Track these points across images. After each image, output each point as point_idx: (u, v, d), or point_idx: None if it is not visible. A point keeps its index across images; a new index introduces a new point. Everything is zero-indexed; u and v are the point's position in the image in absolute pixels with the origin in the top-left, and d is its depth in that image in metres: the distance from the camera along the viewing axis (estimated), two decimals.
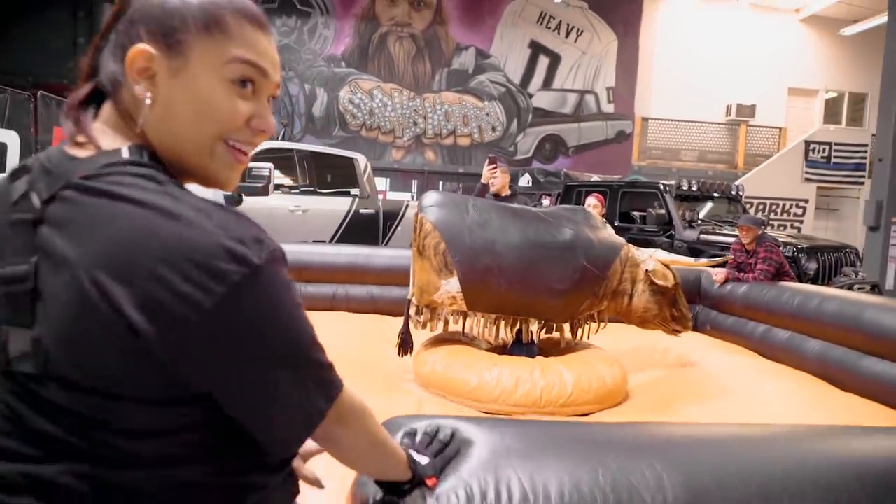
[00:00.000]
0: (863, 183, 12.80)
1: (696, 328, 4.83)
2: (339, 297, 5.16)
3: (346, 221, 6.91)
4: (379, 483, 0.91)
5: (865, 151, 12.88)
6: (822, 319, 4.02)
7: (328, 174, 7.46)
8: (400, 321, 3.60)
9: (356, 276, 5.26)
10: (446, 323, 3.44)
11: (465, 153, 13.35)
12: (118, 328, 0.56)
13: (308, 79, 12.80)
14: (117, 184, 0.60)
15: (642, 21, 13.59)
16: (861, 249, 7.29)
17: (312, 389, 0.65)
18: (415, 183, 12.93)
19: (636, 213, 8.01)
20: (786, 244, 6.31)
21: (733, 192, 8.03)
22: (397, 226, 7.27)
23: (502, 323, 3.41)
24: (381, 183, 10.84)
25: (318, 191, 7.11)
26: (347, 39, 12.94)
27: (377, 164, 10.95)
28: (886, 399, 3.45)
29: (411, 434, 1.07)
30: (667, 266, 3.46)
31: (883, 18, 11.82)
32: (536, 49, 13.49)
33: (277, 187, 6.49)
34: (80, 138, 0.66)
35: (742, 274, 5.06)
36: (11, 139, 6.84)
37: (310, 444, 0.83)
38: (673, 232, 7.24)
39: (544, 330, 3.52)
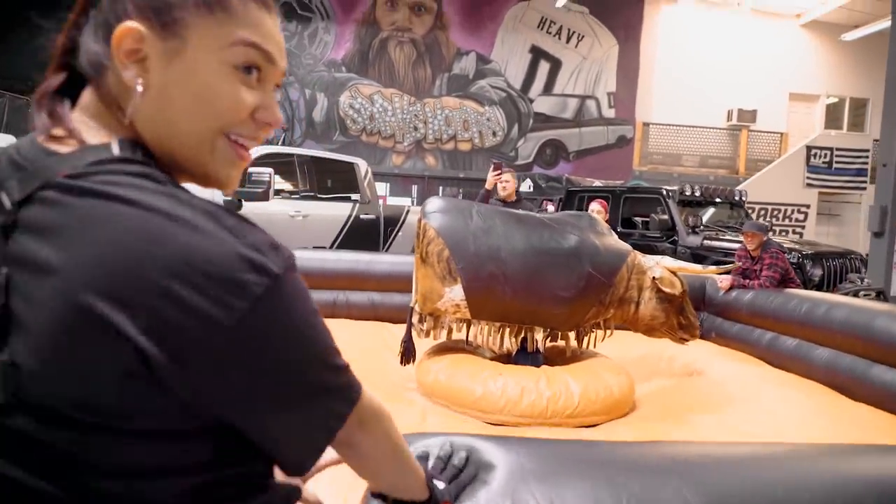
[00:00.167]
0: (864, 188, 12.76)
1: (701, 336, 4.77)
2: (339, 304, 5.10)
3: (347, 227, 6.86)
4: (393, 501, 0.85)
5: (867, 157, 12.85)
6: (830, 327, 3.96)
7: (328, 179, 7.41)
8: (401, 328, 3.54)
9: (357, 283, 5.21)
10: (450, 331, 3.38)
11: (466, 158, 13.31)
12: (119, 353, 0.49)
13: (308, 84, 12.77)
14: (110, 183, 0.52)
15: (643, 26, 13.59)
16: (864, 255, 7.24)
17: (333, 394, 0.61)
18: (415, 188, 12.89)
19: (638, 219, 7.96)
20: (790, 250, 6.26)
21: (736, 198, 7.98)
22: (398, 231, 7.21)
23: (507, 331, 3.35)
24: (381, 188, 10.80)
25: (319, 196, 7.06)
26: (348, 44, 12.91)
27: (377, 170, 10.90)
28: None
29: (423, 458, 1.01)
30: (674, 273, 3.40)
31: (883, 24, 11.82)
32: (537, 54, 13.47)
33: (277, 192, 6.44)
34: (57, 131, 0.58)
35: (747, 280, 5.00)
36: (9, 144, 6.79)
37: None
38: (676, 238, 7.18)
39: (549, 338, 3.46)
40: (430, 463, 1.00)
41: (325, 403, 0.60)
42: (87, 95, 0.60)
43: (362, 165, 7.32)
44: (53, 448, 0.51)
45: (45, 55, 0.62)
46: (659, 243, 7.20)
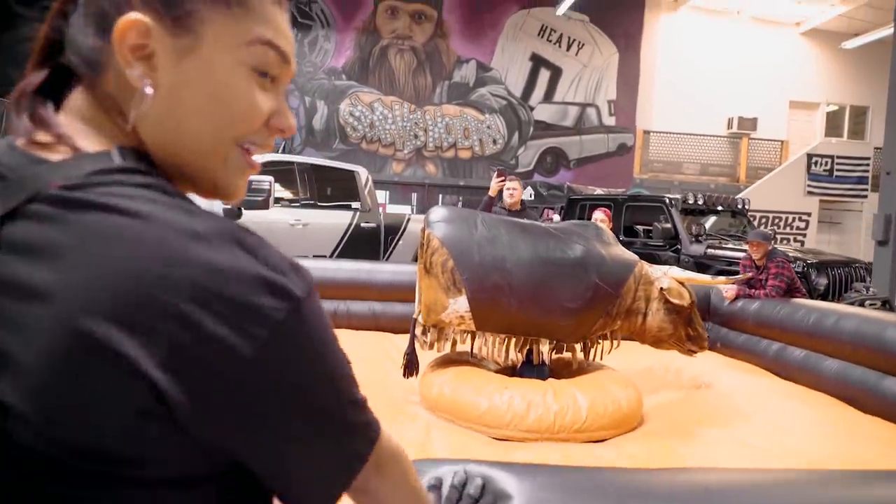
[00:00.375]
0: (865, 196, 12.74)
1: (708, 347, 4.72)
2: (340, 314, 5.04)
3: (347, 235, 6.80)
4: None
5: (868, 165, 12.83)
6: (839, 338, 3.90)
7: (329, 187, 7.36)
8: (403, 338, 3.48)
9: (357, 292, 5.15)
10: (454, 343, 3.32)
11: (466, 166, 13.28)
12: (131, 389, 0.42)
13: (308, 91, 12.75)
14: (117, 195, 0.45)
15: (643, 34, 13.59)
16: (866, 263, 7.19)
17: (354, 432, 0.54)
18: (414, 196, 12.85)
19: (640, 228, 7.91)
20: (795, 259, 6.20)
21: (739, 206, 7.94)
22: (399, 240, 7.16)
23: (512, 343, 3.28)
24: (381, 196, 10.75)
25: (319, 204, 7.01)
26: (348, 52, 12.90)
27: (377, 177, 10.86)
28: None
29: (436, 487, 0.95)
30: (682, 284, 3.35)
31: (883, 32, 11.83)
32: (537, 62, 13.47)
33: (277, 201, 6.38)
34: (42, 136, 0.50)
35: (753, 290, 4.95)
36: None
37: None
38: (679, 246, 7.13)
39: (555, 350, 3.40)
40: (444, 492, 0.94)
41: (345, 441, 0.54)
42: (77, 96, 0.53)
43: (363, 173, 7.27)
44: (40, 502, 0.44)
45: (27, 51, 0.54)
46: (662, 252, 7.15)
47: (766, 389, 3.91)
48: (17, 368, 0.43)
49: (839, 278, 6.30)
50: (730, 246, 6.86)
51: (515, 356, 3.36)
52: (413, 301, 3.46)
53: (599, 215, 5.30)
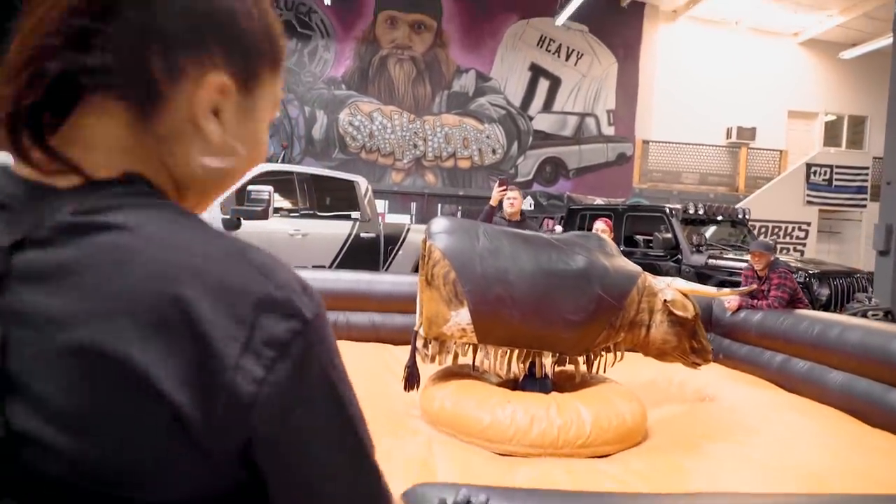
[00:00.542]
0: (865, 206, 12.74)
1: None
2: (339, 325, 4.99)
3: (347, 246, 6.76)
4: None
5: (867, 174, 12.84)
6: (844, 349, 3.86)
7: (328, 197, 7.32)
8: (403, 349, 3.44)
9: (357, 303, 5.11)
10: (455, 356, 3.27)
11: (466, 176, 13.27)
12: (150, 408, 0.43)
13: (308, 101, 12.75)
14: (130, 218, 0.46)
15: (642, 44, 13.63)
16: (867, 273, 7.16)
17: (365, 472, 0.52)
18: (414, 205, 12.82)
19: (640, 238, 7.88)
20: (797, 270, 6.17)
21: (740, 216, 7.91)
22: (398, 250, 7.11)
23: (514, 356, 3.24)
24: (380, 205, 10.72)
25: (318, 214, 6.97)
26: (348, 62, 12.92)
27: (377, 187, 10.84)
28: None
29: None
30: (686, 295, 3.31)
31: (881, 42, 11.87)
32: (537, 72, 13.49)
33: (276, 210, 6.35)
34: (41, 158, 0.47)
35: (755, 301, 4.91)
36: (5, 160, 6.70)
37: None
38: (680, 256, 7.10)
39: (557, 363, 3.35)
40: None
41: (359, 480, 0.52)
42: (91, 119, 0.49)
43: (362, 183, 7.24)
44: None
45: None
46: (662, 262, 7.11)
47: (770, 402, 3.87)
48: (35, 397, 0.43)
49: (841, 289, 6.27)
50: (731, 256, 6.82)
51: (518, 369, 3.32)
52: (413, 312, 3.43)
53: (601, 225, 5.26)
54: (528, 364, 3.30)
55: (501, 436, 2.83)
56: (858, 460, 3.02)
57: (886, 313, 5.88)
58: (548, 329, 3.14)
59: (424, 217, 11.80)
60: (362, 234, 6.87)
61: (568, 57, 13.53)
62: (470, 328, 3.08)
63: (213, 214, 5.57)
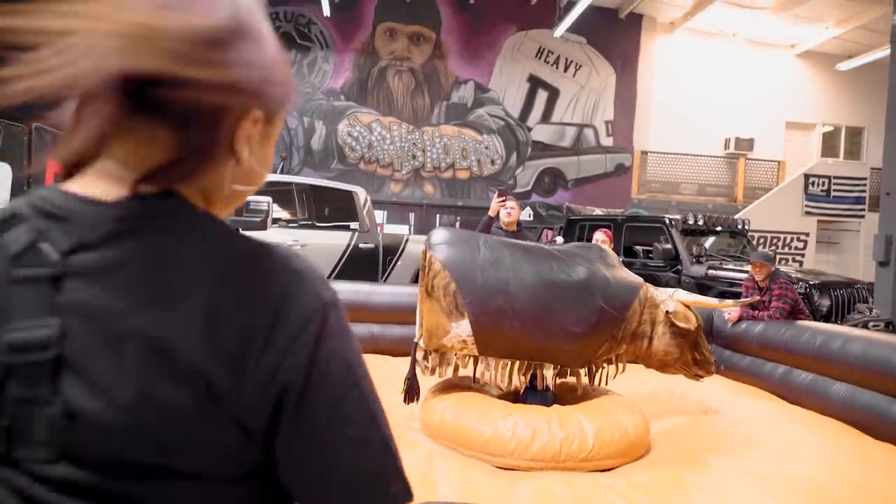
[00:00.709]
0: (863, 216, 12.75)
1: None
2: None
3: (346, 256, 6.73)
4: None
5: (865, 185, 12.86)
6: (847, 361, 3.84)
7: (327, 208, 7.30)
8: (402, 361, 3.41)
9: (356, 314, 5.05)
10: (456, 368, 3.24)
11: (464, 186, 13.27)
12: (197, 391, 0.50)
13: (307, 112, 12.76)
14: (171, 222, 0.54)
15: (640, 56, 13.69)
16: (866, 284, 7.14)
17: (382, 452, 0.58)
18: (412, 216, 12.81)
19: (640, 248, 7.86)
20: (798, 280, 6.15)
21: (739, 227, 7.90)
22: (397, 261, 7.09)
23: (515, 368, 3.21)
24: (379, 216, 10.71)
25: (317, 225, 6.95)
26: (347, 73, 12.95)
27: (375, 197, 10.82)
28: None
29: None
30: (688, 307, 3.29)
31: (878, 54, 11.93)
32: (535, 83, 13.53)
33: (275, 221, 6.33)
34: (90, 179, 0.55)
35: (756, 312, 4.89)
36: (4, 172, 6.67)
37: None
38: (680, 267, 7.07)
39: (559, 375, 3.32)
40: None
41: (373, 457, 0.57)
42: (139, 144, 0.56)
43: (361, 194, 7.22)
44: (105, 498, 0.50)
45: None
46: (662, 273, 7.09)
47: (773, 414, 3.84)
48: (91, 379, 0.49)
49: (842, 299, 6.24)
50: (731, 266, 6.80)
51: (519, 381, 3.29)
52: (412, 323, 3.40)
53: (601, 236, 5.23)
54: (529, 376, 3.26)
55: (503, 449, 2.80)
56: (861, 473, 2.99)
57: (887, 324, 5.85)
58: (549, 341, 3.11)
59: (423, 228, 11.78)
60: (361, 245, 6.85)
61: (566, 68, 13.58)
62: (470, 340, 3.05)
63: None
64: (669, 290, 3.41)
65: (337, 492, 0.55)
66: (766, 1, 12.01)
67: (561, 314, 3.09)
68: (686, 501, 2.56)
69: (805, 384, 4.16)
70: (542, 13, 12.99)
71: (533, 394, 3.28)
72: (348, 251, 6.76)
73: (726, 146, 13.85)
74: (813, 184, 12.67)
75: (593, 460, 2.80)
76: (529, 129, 13.50)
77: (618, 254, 7.38)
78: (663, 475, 2.82)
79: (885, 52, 9.65)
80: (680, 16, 13.32)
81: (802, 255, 12.56)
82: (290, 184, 7.20)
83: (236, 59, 0.54)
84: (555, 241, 8.60)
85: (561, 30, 12.24)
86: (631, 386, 3.90)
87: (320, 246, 6.61)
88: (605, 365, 3.34)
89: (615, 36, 13.50)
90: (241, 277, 0.53)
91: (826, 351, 4.01)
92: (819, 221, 12.79)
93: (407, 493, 0.58)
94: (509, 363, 3.18)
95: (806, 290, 6.09)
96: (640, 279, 3.40)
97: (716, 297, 5.60)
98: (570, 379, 3.39)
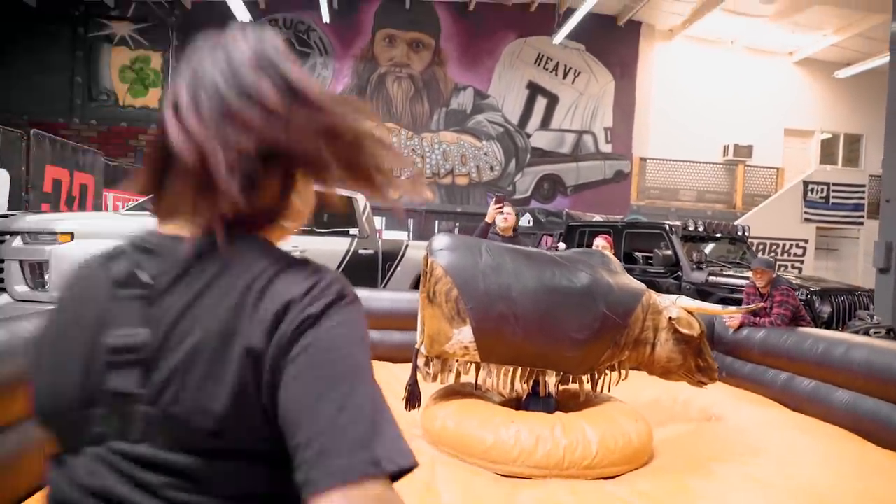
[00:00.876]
0: (862, 223, 12.77)
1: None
2: None
3: (345, 262, 6.71)
4: None
5: (863, 192, 12.88)
6: (850, 368, 3.81)
7: (326, 213, 7.27)
8: (403, 367, 3.38)
9: None
10: (458, 374, 3.22)
11: (464, 192, 13.27)
12: (257, 377, 0.61)
13: None
14: (235, 251, 0.66)
15: (639, 63, 13.73)
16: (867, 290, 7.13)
17: (383, 436, 0.59)
18: (411, 222, 12.80)
19: (639, 255, 7.85)
20: (798, 287, 6.14)
21: (739, 233, 7.89)
22: (397, 266, 7.06)
23: (518, 374, 3.18)
24: (378, 221, 10.69)
25: (316, 230, 6.92)
26: (346, 80, 12.97)
27: (374, 203, 10.80)
28: None
29: None
30: (691, 313, 3.27)
31: (876, 62, 11.98)
32: (534, 90, 13.56)
33: None
34: (177, 226, 0.70)
35: (757, 318, 4.87)
36: (2, 178, 6.66)
37: None
38: (680, 273, 7.06)
39: (562, 382, 3.29)
40: None
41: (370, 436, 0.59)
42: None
43: (361, 199, 7.21)
44: (177, 473, 0.60)
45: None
46: (663, 279, 7.07)
47: (776, 421, 3.81)
48: (178, 375, 0.61)
49: (843, 306, 6.23)
50: (731, 273, 6.79)
51: (521, 388, 3.26)
52: (412, 329, 3.37)
53: (601, 242, 5.22)
54: (531, 383, 3.24)
55: (505, 456, 2.77)
56: (864, 480, 2.96)
57: (889, 331, 5.84)
58: (552, 347, 3.09)
59: (422, 233, 11.77)
60: (360, 251, 6.83)
61: (565, 75, 13.62)
62: (472, 346, 3.03)
63: None
64: (672, 297, 3.39)
65: (321, 443, 0.57)
66: (765, 9, 12.06)
67: (563, 320, 3.07)
68: None
69: (807, 391, 4.14)
70: (541, 20, 13.03)
71: (535, 401, 3.26)
72: (348, 257, 6.73)
73: (725, 153, 13.88)
74: (812, 190, 12.69)
75: (597, 468, 2.77)
76: (528, 136, 13.52)
77: (618, 260, 7.37)
78: (667, 482, 2.79)
79: (883, 59, 9.69)
80: (679, 23, 13.37)
81: (801, 262, 12.57)
82: None
83: None
84: (556, 247, 8.58)
85: (560, 37, 12.27)
86: (634, 393, 3.87)
87: (319, 252, 6.58)
88: (607, 371, 3.32)
89: (614, 43, 13.55)
90: (285, 272, 0.65)
91: (828, 358, 3.99)
92: (818, 228, 12.81)
93: (392, 464, 0.58)
94: (511, 370, 3.16)
95: (807, 296, 6.08)
96: (642, 285, 3.39)
97: (716, 303, 5.58)
98: (573, 386, 3.36)
